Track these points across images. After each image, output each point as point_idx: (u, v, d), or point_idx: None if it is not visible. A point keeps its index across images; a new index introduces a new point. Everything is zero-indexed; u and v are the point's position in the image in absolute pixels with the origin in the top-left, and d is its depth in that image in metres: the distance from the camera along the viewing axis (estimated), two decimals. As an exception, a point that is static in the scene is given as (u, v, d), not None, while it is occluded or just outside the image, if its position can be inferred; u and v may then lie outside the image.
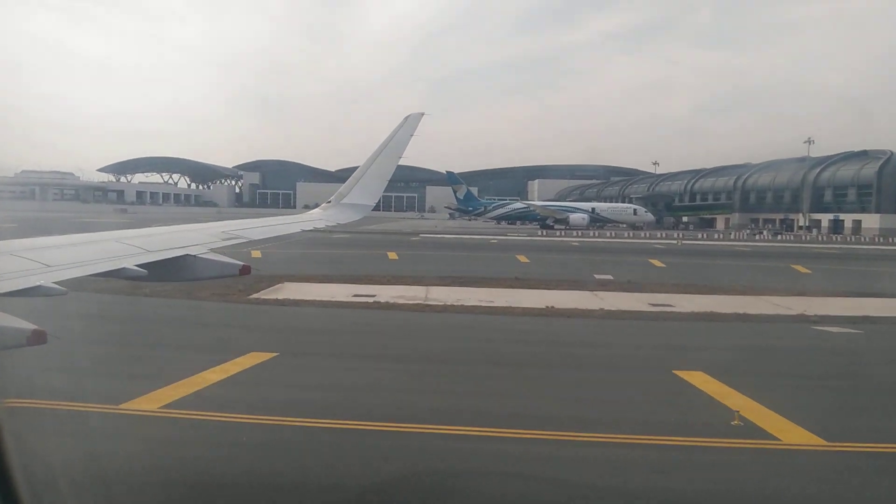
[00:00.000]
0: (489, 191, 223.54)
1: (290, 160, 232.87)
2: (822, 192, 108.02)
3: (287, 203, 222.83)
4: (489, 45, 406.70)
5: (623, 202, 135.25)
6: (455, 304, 24.36)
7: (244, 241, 8.12)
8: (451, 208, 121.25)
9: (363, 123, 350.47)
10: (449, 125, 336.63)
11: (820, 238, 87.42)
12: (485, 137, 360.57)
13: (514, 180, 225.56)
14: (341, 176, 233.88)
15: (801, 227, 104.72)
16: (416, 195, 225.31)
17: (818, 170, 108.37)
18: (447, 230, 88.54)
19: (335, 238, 58.69)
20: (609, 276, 34.20)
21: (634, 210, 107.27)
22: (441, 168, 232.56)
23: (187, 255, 6.72)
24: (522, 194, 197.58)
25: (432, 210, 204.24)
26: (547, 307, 23.85)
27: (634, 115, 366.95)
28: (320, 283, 29.39)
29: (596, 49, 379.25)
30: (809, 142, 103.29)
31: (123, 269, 5.77)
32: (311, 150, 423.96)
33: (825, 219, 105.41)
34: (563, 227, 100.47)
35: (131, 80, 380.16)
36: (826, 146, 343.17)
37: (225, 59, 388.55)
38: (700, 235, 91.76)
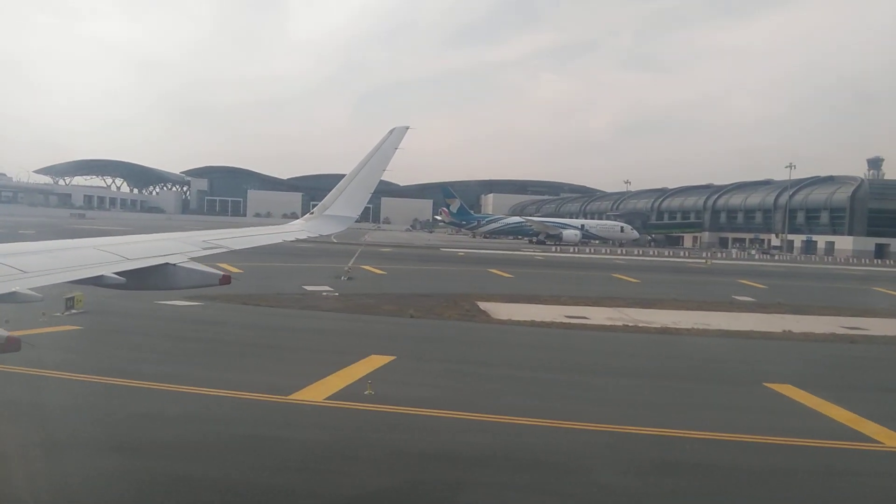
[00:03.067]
0: (443, 204, 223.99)
1: (240, 167, 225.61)
2: (794, 214, 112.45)
3: (237, 211, 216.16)
4: (419, 59, 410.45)
5: (586, 218, 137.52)
6: (672, 326, 24.83)
7: (224, 250, 8.04)
8: (445, 222, 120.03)
9: (293, 133, 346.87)
10: (377, 135, 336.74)
11: (816, 258, 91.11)
12: (416, 151, 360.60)
13: (466, 194, 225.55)
14: (294, 184, 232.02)
15: (776, 248, 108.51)
16: (370, 206, 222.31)
17: (791, 192, 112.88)
18: (478, 245, 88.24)
19: (388, 253, 56.94)
20: (750, 298, 34.63)
21: (621, 228, 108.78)
22: (396, 180, 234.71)
23: (167, 263, 6.63)
24: (475, 208, 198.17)
25: (387, 221, 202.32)
26: (784, 331, 24.34)
27: (559, 132, 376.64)
28: (510, 302, 29.32)
29: (523, 67, 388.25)
30: (791, 166, 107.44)
31: (102, 276, 5.70)
32: (248, 158, 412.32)
33: (798, 239, 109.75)
34: (554, 242, 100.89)
35: (46, 79, 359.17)
36: (745, 168, 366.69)
37: (147, 59, 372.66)
38: (720, 254, 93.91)
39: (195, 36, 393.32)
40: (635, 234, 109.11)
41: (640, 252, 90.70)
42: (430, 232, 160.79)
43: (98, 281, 5.72)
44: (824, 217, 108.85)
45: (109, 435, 10.12)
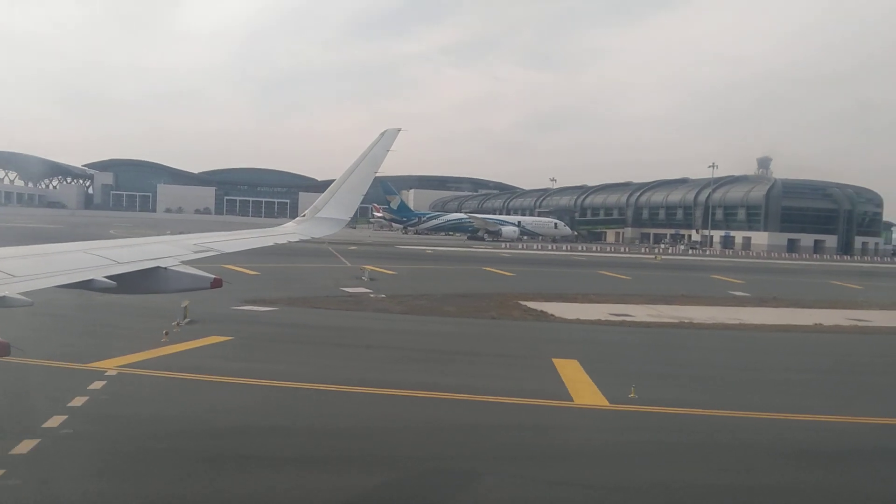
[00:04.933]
0: (367, 198, 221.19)
1: (148, 160, 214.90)
2: (713, 211, 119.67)
3: (145, 206, 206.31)
4: (323, 49, 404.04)
5: (509, 214, 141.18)
6: (721, 322, 26.48)
7: (216, 253, 8.13)
8: (385, 218, 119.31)
9: (194, 126, 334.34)
10: (282, 128, 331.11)
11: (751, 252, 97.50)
12: (321, 142, 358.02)
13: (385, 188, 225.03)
14: (205, 178, 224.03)
15: (696, 243, 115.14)
16: (287, 201, 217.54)
17: (710, 190, 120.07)
18: (424, 242, 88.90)
19: (365, 251, 56.72)
20: (744, 293, 37.05)
21: (555, 224, 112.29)
22: (312, 173, 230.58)
23: (158, 267, 6.70)
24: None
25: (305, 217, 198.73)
26: (815, 324, 26.52)
27: (463, 127, 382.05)
28: (551, 301, 29.94)
29: (428, 61, 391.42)
30: (713, 166, 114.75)
31: (92, 280, 5.72)
32: (152, 151, 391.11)
33: (717, 235, 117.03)
34: (492, 239, 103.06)
35: None
36: (640, 168, 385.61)
37: (25, 39, 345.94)
38: (657, 249, 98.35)
39: (81, 16, 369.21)
40: (568, 230, 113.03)
41: (598, 248, 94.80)
42: (353, 228, 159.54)
43: (88, 285, 5.71)
44: (741, 214, 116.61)
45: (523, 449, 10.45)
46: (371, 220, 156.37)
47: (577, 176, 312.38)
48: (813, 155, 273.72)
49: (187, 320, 19.66)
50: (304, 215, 11.24)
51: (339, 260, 47.19)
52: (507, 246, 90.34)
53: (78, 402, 10.98)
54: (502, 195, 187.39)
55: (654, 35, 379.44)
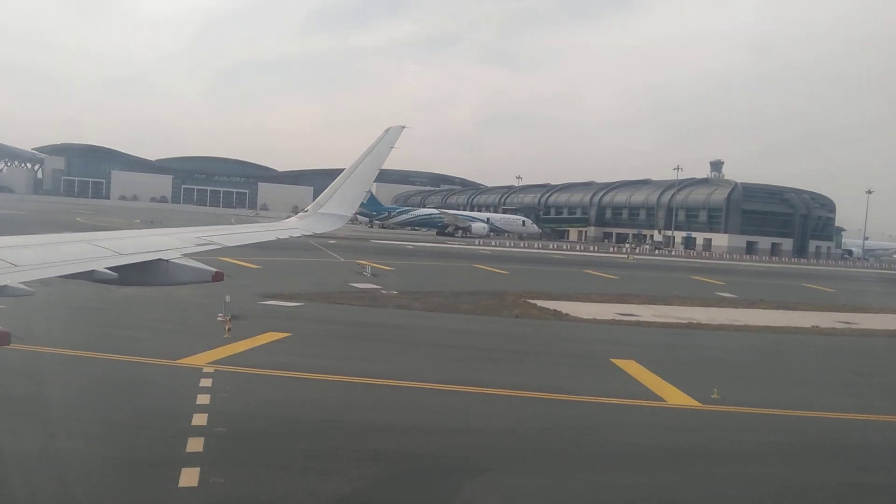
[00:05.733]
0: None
1: (102, 146, 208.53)
2: (675, 212, 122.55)
3: (98, 192, 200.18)
4: (279, 39, 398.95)
5: (473, 210, 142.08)
6: (727, 323, 27.18)
7: (218, 247, 8.22)
8: (358, 212, 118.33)
9: (143, 111, 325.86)
10: (237, 117, 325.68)
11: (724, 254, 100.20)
12: (279, 133, 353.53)
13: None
14: (163, 166, 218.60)
15: (659, 243, 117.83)
16: (246, 191, 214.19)
17: (672, 192, 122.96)
18: (398, 237, 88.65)
19: (352, 246, 56.68)
20: (731, 294, 38.43)
21: (523, 222, 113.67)
22: (273, 164, 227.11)
23: (160, 259, 6.74)
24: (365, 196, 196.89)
25: (265, 208, 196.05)
26: (813, 326, 27.63)
27: (422, 122, 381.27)
28: (560, 300, 30.42)
29: (387, 55, 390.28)
30: (678, 169, 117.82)
31: (94, 271, 5.75)
32: (106, 136, 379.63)
33: (678, 236, 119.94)
34: (461, 235, 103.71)
35: None
36: (597, 165, 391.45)
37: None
38: (625, 248, 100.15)
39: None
40: (535, 228, 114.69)
41: (569, 247, 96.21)
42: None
43: (90, 276, 5.73)
44: (703, 216, 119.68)
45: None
46: (307, 210, 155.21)
47: (537, 173, 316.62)
48: (760, 158, 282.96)
49: (230, 316, 19.55)
50: (306, 210, 11.25)
51: (327, 254, 47.01)
52: (481, 243, 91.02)
53: (204, 399, 11.09)
54: (466, 191, 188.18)
55: (613, 37, 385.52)
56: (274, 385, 12.97)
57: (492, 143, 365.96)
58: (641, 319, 26.76)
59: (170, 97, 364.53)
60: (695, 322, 27.04)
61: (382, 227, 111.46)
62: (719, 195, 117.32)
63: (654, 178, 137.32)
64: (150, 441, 9.53)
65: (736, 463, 10.54)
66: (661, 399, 13.40)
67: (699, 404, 13.04)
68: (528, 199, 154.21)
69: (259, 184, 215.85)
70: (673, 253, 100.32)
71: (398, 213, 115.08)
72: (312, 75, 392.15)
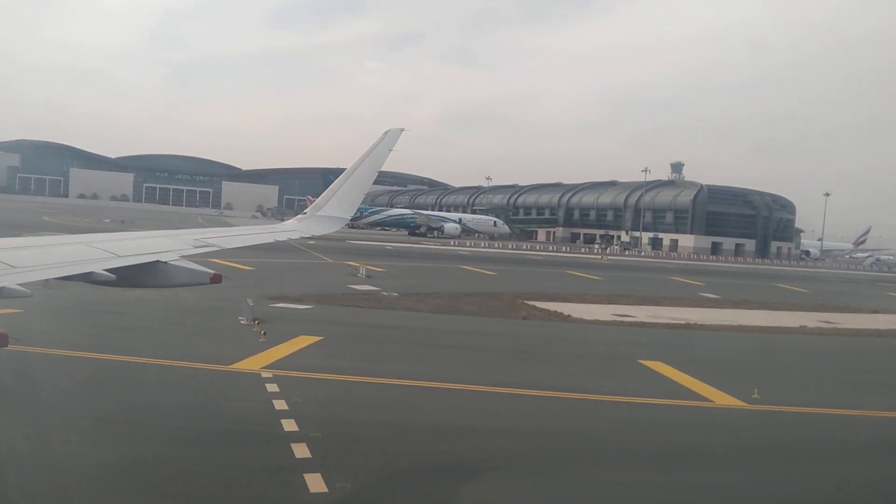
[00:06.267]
0: (293, 190, 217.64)
1: (60, 142, 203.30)
2: (642, 214, 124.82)
3: (56, 190, 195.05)
4: (239, 35, 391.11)
5: (441, 210, 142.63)
6: (723, 323, 27.99)
7: (216, 249, 8.20)
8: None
9: (98, 106, 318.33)
10: (199, 115, 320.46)
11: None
12: (242, 131, 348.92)
13: (312, 180, 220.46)
14: (123, 164, 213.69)
15: (626, 243, 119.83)
16: (210, 190, 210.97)
17: (639, 194, 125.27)
18: (371, 237, 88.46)
19: (332, 247, 56.54)
20: (713, 295, 39.43)
21: (495, 222, 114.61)
22: (236, 162, 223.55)
23: (158, 261, 6.73)
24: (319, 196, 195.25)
25: (229, 207, 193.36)
26: (801, 326, 28.65)
27: (385, 121, 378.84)
28: (557, 301, 30.92)
29: (349, 52, 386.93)
30: (646, 171, 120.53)
31: (91, 273, 5.75)
32: (62, 132, 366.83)
33: (645, 236, 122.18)
34: (433, 235, 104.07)
35: None
36: (559, 165, 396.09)
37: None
38: (596, 249, 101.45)
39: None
40: (506, 228, 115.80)
41: (542, 247, 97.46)
42: (282, 220, 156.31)
43: (87, 278, 5.75)
44: (669, 217, 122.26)
45: None
46: (305, 212, 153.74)
47: (502, 173, 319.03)
48: (719, 161, 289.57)
49: (256, 320, 19.53)
50: (305, 213, 11.30)
51: (312, 255, 46.78)
52: (456, 243, 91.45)
53: (281, 404, 11.14)
54: (434, 191, 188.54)
55: (576, 40, 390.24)
56: (338, 388, 13.13)
57: (456, 143, 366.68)
58: (639, 320, 27.22)
59: (126, 93, 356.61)
60: (692, 323, 27.51)
61: (352, 227, 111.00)
62: (685, 197, 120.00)
63: (619, 179, 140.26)
64: (256, 447, 9.68)
65: (804, 461, 11.04)
66: (707, 399, 13.84)
67: (746, 404, 13.50)
68: (497, 199, 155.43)
69: (223, 182, 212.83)
70: (643, 254, 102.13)
71: (370, 213, 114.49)
72: (275, 73, 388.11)
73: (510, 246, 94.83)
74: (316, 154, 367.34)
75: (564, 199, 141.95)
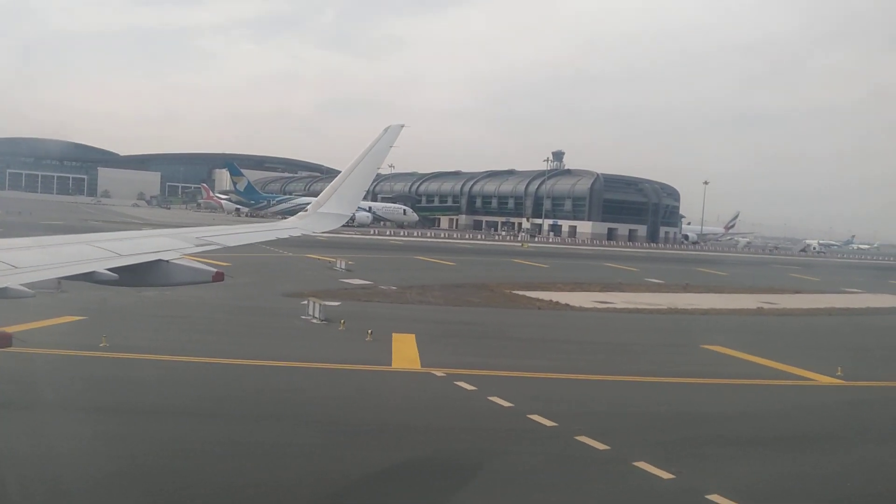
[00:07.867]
0: (176, 177, 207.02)
1: None
2: (542, 201, 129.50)
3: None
4: (100, 8, 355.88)
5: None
6: (686, 307, 30.11)
7: (218, 247, 8.30)
8: (231, 201, 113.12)
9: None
10: (56, 95, 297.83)
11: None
12: (115, 115, 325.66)
13: (198, 167, 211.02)
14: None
15: (528, 230, 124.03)
16: (85, 177, 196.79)
17: (538, 182, 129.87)
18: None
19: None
20: (658, 280, 42.34)
21: (404, 210, 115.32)
22: (118, 149, 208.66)
23: (160, 260, 6.76)
24: (209, 182, 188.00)
25: (106, 195, 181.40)
26: (757, 308, 31.66)
27: (260, 105, 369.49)
28: (540, 290, 32.26)
29: (223, 33, 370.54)
30: (548, 160, 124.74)
31: (94, 272, 5.78)
32: None
33: (546, 223, 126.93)
34: (345, 224, 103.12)
35: None
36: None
37: None
38: (510, 237, 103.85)
39: None
40: (415, 216, 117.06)
41: (458, 235, 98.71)
42: (168, 208, 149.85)
43: (90, 277, 5.79)
44: (568, 205, 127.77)
45: None
46: (200, 200, 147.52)
47: (391, 159, 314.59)
48: (595, 148, 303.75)
49: (331, 319, 19.47)
50: (306, 210, 11.29)
51: (269, 250, 45.49)
52: (376, 232, 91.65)
53: (503, 402, 11.82)
54: (330, 178, 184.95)
55: (454, 28, 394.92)
56: (528, 386, 13.93)
57: (335, 127, 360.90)
58: (624, 307, 28.80)
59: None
60: (674, 307, 29.49)
61: (257, 215, 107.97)
62: (583, 185, 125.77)
63: (497, 167, 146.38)
64: (550, 440, 10.51)
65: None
66: (807, 379, 15.59)
67: (842, 381, 15.30)
68: (399, 187, 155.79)
69: (99, 168, 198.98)
70: (550, 241, 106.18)
71: (277, 201, 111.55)
72: (139, 52, 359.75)
73: (430, 234, 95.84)
74: (202, 141, 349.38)
75: (466, 188, 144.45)
